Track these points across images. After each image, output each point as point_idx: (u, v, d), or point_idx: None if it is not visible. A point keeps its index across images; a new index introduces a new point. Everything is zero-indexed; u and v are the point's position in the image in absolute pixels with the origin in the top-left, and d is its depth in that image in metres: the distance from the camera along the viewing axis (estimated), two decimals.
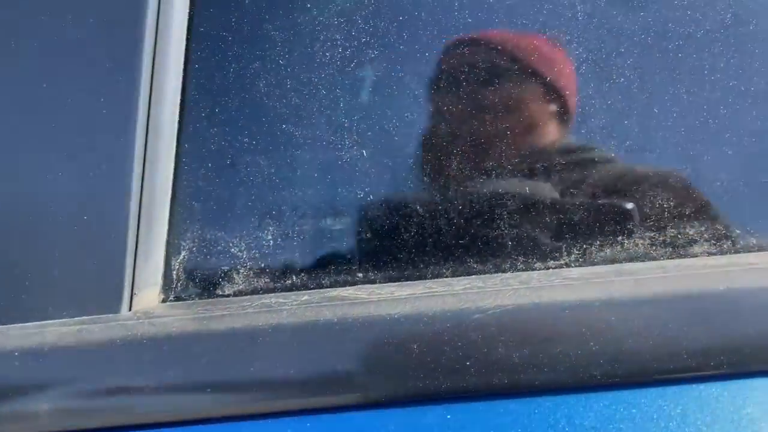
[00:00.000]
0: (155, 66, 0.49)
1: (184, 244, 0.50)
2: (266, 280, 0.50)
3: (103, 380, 0.46)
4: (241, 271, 0.51)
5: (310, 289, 0.50)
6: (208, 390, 0.44)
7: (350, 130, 0.51)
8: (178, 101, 0.50)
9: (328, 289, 0.49)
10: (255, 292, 0.50)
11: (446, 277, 0.50)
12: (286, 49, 0.52)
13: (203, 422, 0.46)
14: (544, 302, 0.44)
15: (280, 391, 0.44)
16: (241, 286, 0.50)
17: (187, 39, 0.52)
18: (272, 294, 0.49)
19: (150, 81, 0.49)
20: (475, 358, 0.44)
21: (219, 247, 0.51)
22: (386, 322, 0.45)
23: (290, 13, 0.52)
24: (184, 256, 0.50)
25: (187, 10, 0.52)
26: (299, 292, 0.49)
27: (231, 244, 0.51)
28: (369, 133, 0.51)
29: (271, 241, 0.51)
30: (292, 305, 0.47)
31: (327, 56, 0.52)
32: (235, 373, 0.44)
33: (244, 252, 0.51)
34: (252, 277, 0.51)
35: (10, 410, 0.45)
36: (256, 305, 0.47)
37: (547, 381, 0.43)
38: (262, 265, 0.51)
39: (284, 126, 0.51)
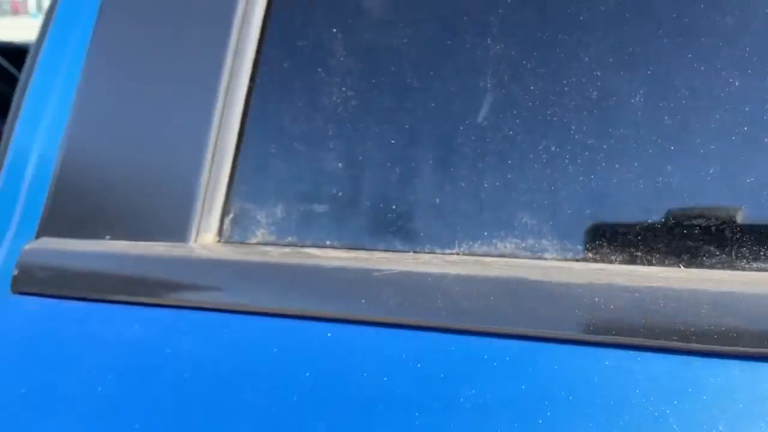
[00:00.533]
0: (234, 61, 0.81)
1: (237, 203, 0.81)
2: (287, 237, 0.80)
3: (175, 277, 0.79)
4: (272, 228, 0.81)
5: (305, 246, 0.78)
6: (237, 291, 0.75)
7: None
8: (246, 89, 0.81)
9: (312, 248, 0.77)
10: (276, 244, 0.79)
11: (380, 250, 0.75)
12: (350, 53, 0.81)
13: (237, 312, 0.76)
14: (419, 272, 0.68)
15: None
16: (269, 239, 0.80)
17: (262, 31, 0.82)
18: (282, 247, 0.78)
19: (229, 73, 0.81)
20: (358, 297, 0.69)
21: (262, 208, 0.81)
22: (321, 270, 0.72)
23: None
24: (235, 211, 0.81)
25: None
26: (296, 248, 0.77)
27: (269, 211, 0.81)
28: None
29: (299, 211, 0.80)
30: (280, 253, 0.76)
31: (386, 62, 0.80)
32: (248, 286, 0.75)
33: (278, 214, 0.81)
34: (276, 234, 0.80)
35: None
36: (260, 251, 0.77)
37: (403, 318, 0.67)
38: (287, 225, 0.80)
39: (327, 118, 0.80)
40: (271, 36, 0.84)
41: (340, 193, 0.78)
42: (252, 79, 0.83)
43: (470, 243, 0.72)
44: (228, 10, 0.82)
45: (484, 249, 0.71)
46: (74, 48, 0.90)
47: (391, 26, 0.82)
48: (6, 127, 0.92)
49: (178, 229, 0.79)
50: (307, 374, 0.68)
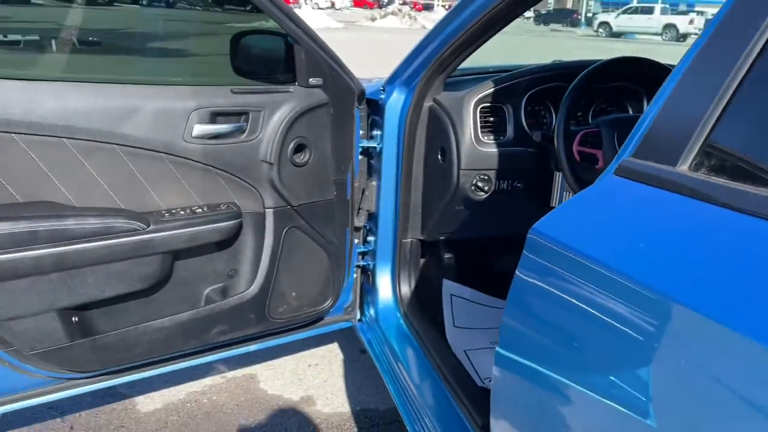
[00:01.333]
0: None
1: (703, 156, 1.65)
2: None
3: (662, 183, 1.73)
4: (719, 173, 1.64)
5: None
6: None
7: None
8: (734, 89, 1.53)
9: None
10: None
11: None
12: None
13: None
14: None
15: None
16: (717, 178, 1.61)
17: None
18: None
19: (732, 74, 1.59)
20: None
21: (715, 162, 1.63)
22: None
23: None
24: (699, 159, 1.67)
25: None
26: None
27: (720, 165, 1.64)
28: None
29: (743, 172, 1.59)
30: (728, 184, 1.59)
31: None
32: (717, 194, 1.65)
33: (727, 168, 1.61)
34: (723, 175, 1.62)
35: None
36: (712, 179, 1.63)
37: None
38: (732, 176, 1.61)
39: None
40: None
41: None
42: (741, 82, 1.57)
43: None
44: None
45: None
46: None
47: None
48: (650, 106, 1.99)
49: (670, 160, 1.72)
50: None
